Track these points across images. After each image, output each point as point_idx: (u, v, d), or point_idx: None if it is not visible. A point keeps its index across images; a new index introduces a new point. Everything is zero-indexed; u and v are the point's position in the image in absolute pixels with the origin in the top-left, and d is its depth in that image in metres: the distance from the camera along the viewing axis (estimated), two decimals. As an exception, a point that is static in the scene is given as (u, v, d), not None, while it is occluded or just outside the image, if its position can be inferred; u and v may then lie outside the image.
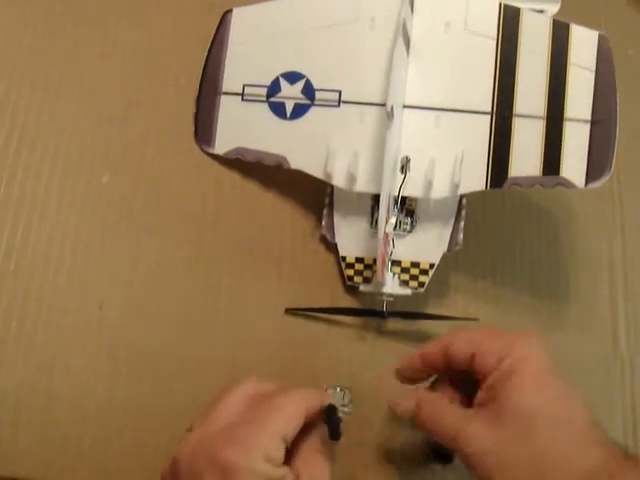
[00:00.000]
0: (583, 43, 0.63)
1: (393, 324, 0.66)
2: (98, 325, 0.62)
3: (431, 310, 0.67)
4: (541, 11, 0.66)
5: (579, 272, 0.71)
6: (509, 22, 0.64)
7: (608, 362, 0.69)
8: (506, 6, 0.64)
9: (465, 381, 0.56)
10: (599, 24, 0.80)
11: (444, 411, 0.54)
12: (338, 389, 0.58)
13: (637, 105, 0.72)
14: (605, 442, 0.50)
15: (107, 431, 0.60)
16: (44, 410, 0.59)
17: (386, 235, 0.60)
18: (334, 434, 0.51)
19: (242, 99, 0.67)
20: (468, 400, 0.55)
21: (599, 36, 0.63)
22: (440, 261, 0.65)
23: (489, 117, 0.63)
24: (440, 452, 0.62)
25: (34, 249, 0.63)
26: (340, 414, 0.52)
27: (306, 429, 0.51)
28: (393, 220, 0.62)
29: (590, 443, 0.49)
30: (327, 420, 0.51)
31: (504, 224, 0.71)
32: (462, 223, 0.65)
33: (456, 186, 0.62)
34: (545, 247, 0.71)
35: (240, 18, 0.69)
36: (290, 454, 0.50)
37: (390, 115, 0.59)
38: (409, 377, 0.58)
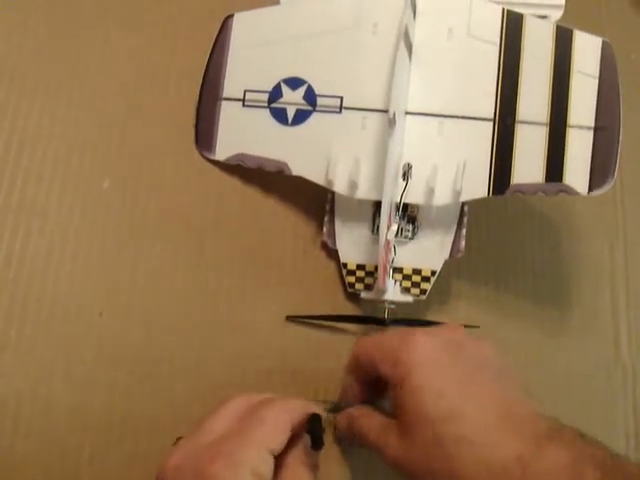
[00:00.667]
0: (586, 49, 0.63)
1: (395, 331, 0.66)
2: (98, 332, 0.62)
3: (433, 317, 0.67)
4: (544, 17, 0.66)
5: (581, 278, 0.71)
6: (512, 28, 0.63)
7: (610, 368, 0.69)
8: (509, 12, 0.64)
9: None
10: (601, 28, 0.80)
11: (372, 423, 0.55)
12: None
13: (640, 110, 0.72)
14: (522, 423, 0.48)
15: (107, 439, 0.59)
16: (43, 418, 0.59)
17: (387, 242, 0.60)
18: (316, 444, 0.50)
19: (243, 105, 0.67)
20: None
21: (602, 42, 0.62)
22: (442, 268, 0.65)
23: (492, 124, 0.63)
24: None
25: (34, 255, 0.62)
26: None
27: (292, 440, 0.50)
28: (394, 227, 0.62)
29: (503, 431, 0.47)
30: (309, 430, 0.50)
31: (506, 230, 0.71)
32: (464, 230, 0.65)
33: (458, 193, 0.62)
34: (547, 253, 0.71)
35: (241, 23, 0.68)
36: (276, 467, 0.48)
37: (392, 122, 0.58)
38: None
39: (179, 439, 0.50)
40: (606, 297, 0.71)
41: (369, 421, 0.55)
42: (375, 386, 0.58)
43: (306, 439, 0.51)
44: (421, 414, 0.49)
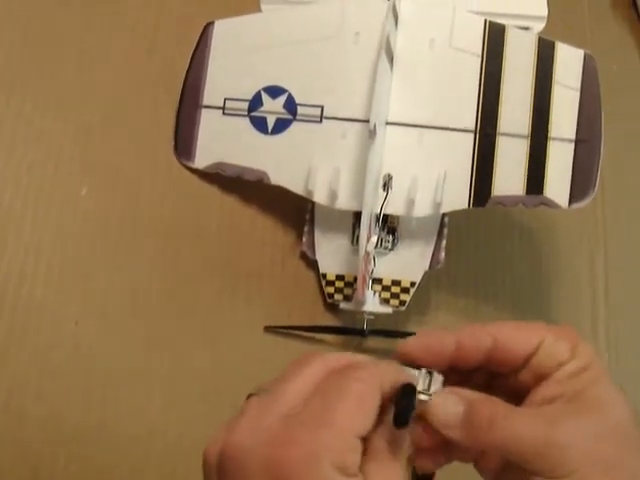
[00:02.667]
0: (568, 62, 0.62)
1: (374, 342, 0.65)
2: (73, 342, 0.61)
3: (412, 327, 0.66)
4: (526, 28, 0.66)
5: (561, 289, 0.71)
6: (494, 39, 0.63)
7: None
8: (491, 23, 0.63)
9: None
10: (585, 39, 0.80)
11: (510, 416, 0.41)
12: (424, 371, 0.42)
13: (621, 121, 0.72)
14: None
15: (82, 451, 0.59)
16: (17, 429, 0.58)
17: (367, 254, 0.60)
18: (400, 420, 0.38)
19: (223, 113, 0.67)
20: None
21: (585, 55, 0.62)
22: (421, 279, 0.64)
23: (472, 135, 0.63)
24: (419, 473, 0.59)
25: (9, 264, 0.62)
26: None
27: (380, 413, 0.40)
28: (374, 239, 0.61)
29: None
30: (398, 402, 0.39)
31: (487, 242, 0.70)
32: (444, 241, 0.64)
33: (438, 205, 0.62)
34: (527, 264, 0.71)
35: (222, 30, 0.68)
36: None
37: (372, 133, 0.58)
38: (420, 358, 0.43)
39: (250, 395, 0.41)
40: (586, 309, 0.70)
41: (503, 411, 0.41)
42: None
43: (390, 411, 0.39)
44: (605, 398, 0.41)
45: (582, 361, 0.42)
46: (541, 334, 0.44)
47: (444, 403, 0.41)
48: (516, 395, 0.44)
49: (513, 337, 0.44)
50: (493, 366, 0.44)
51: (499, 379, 0.45)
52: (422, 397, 0.40)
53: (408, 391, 0.39)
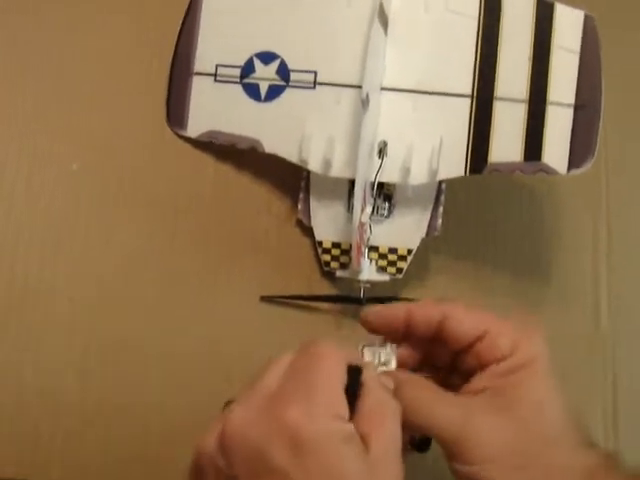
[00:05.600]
0: (568, 24, 0.60)
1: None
2: (69, 318, 0.61)
3: (411, 293, 0.66)
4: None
5: (562, 250, 0.70)
6: (491, 1, 0.61)
7: (590, 339, 0.68)
8: (488, -16, 0.62)
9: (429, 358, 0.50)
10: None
11: (438, 400, 0.46)
12: (377, 345, 0.49)
13: (627, 81, 0.70)
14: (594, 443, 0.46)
15: (80, 426, 0.59)
16: (14, 406, 0.59)
17: (361, 224, 0.59)
18: (349, 394, 0.43)
19: (215, 80, 0.65)
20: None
21: (585, 16, 0.60)
22: (420, 244, 0.64)
23: (469, 100, 0.61)
24: (417, 439, 0.60)
25: (2, 243, 0.62)
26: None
27: None
28: (369, 210, 0.60)
29: (586, 442, 0.46)
30: (348, 380, 0.44)
31: (486, 203, 0.69)
32: (441, 208, 0.63)
33: (435, 172, 0.61)
34: (527, 225, 0.70)
35: (213, -7, 0.66)
36: None
37: (365, 102, 0.57)
38: (378, 327, 0.50)
39: (228, 403, 0.44)
40: (587, 270, 0.69)
41: (432, 395, 0.46)
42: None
43: None
44: (536, 399, 0.45)
45: (520, 359, 0.46)
46: (486, 324, 0.47)
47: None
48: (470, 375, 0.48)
49: (461, 320, 0.47)
50: (441, 342, 0.48)
51: (460, 357, 0.49)
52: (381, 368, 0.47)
53: (353, 371, 0.44)
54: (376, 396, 0.44)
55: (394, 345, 0.49)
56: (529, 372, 0.46)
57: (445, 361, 0.50)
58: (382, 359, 0.48)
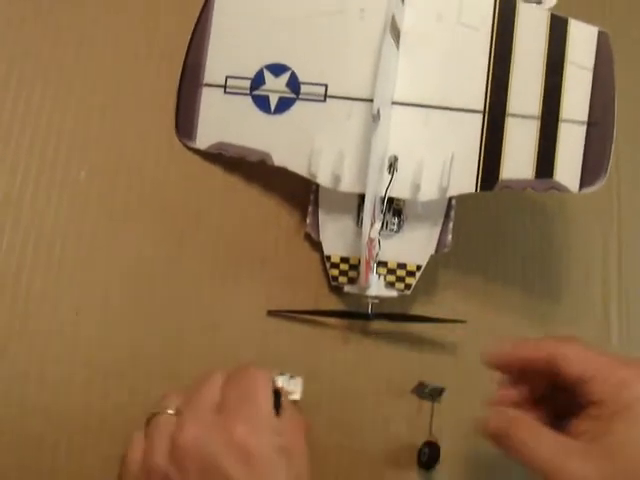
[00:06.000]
0: (582, 40, 0.60)
1: (378, 325, 0.64)
2: (74, 331, 0.61)
3: (419, 309, 0.65)
4: (539, 2, 0.63)
5: (572, 268, 0.69)
6: (505, 15, 0.61)
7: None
8: (502, -2, 0.61)
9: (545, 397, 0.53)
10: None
11: (541, 439, 0.49)
12: (288, 375, 0.55)
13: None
14: None
15: (84, 439, 0.59)
16: (18, 416, 0.58)
17: (370, 240, 0.58)
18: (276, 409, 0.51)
19: (225, 91, 0.65)
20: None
21: (599, 33, 0.60)
22: (428, 259, 0.63)
23: (481, 116, 0.61)
24: (424, 458, 0.61)
25: (7, 251, 0.61)
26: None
27: None
28: (378, 225, 0.60)
29: None
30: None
31: (496, 218, 0.69)
32: (451, 224, 0.63)
33: (445, 189, 0.60)
34: (538, 242, 0.69)
35: (224, 4, 0.65)
36: None
37: (376, 117, 0.56)
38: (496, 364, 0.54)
39: (153, 415, 0.50)
40: (597, 287, 0.69)
41: (537, 434, 0.49)
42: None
43: None
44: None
45: (620, 405, 0.47)
46: (595, 369, 0.49)
47: (493, 417, 0.51)
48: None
49: (568, 359, 0.50)
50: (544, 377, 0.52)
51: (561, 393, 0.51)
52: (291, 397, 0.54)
53: (276, 393, 0.51)
54: (293, 416, 0.52)
55: (300, 378, 0.55)
56: (626, 418, 0.47)
57: (542, 393, 0.53)
58: (289, 388, 0.54)
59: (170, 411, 0.50)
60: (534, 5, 0.62)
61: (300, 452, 0.50)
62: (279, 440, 0.48)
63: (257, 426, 0.48)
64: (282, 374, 0.54)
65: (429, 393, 0.61)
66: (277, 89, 0.64)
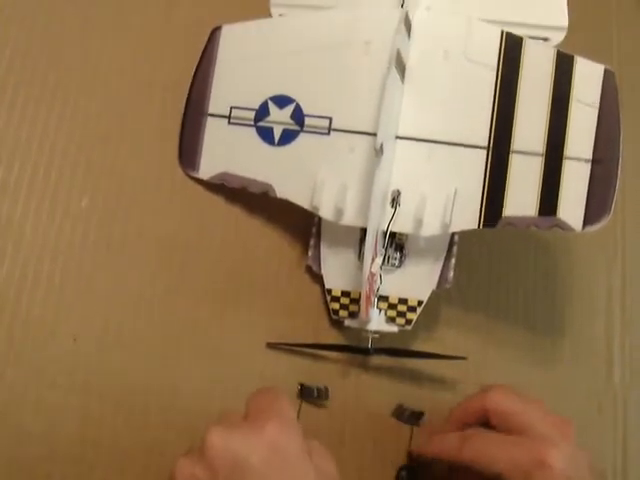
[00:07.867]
0: (587, 77, 0.60)
1: (378, 360, 0.64)
2: (72, 359, 0.60)
3: (419, 345, 0.65)
4: (545, 39, 0.63)
5: (575, 304, 0.69)
6: (511, 52, 0.61)
7: (601, 399, 0.67)
8: (508, 34, 0.61)
9: None
10: (611, 38, 0.77)
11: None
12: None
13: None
14: None
15: (78, 468, 0.58)
16: (12, 445, 0.58)
17: (372, 274, 0.58)
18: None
19: (229, 122, 0.65)
20: None
21: (605, 71, 0.59)
22: (430, 295, 0.63)
23: (485, 152, 0.60)
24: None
25: (7, 276, 0.61)
26: None
27: None
28: (379, 260, 0.60)
29: None
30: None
31: (499, 254, 0.69)
32: (453, 260, 0.62)
33: (447, 224, 0.60)
34: (541, 277, 0.69)
35: (229, 36, 0.65)
36: None
37: (379, 152, 0.56)
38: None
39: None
40: (601, 325, 0.69)
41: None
42: None
43: None
44: None
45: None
46: (494, 451, 0.54)
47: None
48: None
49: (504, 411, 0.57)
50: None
51: None
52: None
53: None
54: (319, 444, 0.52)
55: None
56: None
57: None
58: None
59: None
60: (540, 42, 0.63)
61: (319, 458, 0.50)
62: (308, 443, 0.49)
63: (286, 426, 0.48)
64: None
65: (408, 417, 0.63)
66: (281, 121, 0.63)
